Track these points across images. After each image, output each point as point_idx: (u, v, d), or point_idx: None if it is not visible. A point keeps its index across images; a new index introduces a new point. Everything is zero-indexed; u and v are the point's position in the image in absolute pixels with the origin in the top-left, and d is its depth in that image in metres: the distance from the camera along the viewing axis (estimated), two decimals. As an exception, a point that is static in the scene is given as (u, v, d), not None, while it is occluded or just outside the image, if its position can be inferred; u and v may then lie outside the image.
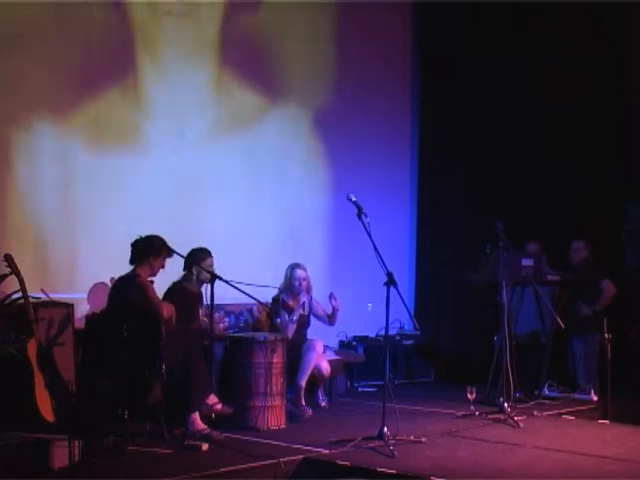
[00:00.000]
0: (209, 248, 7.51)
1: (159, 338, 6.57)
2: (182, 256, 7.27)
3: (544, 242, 9.13)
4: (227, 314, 8.26)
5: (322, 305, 8.26)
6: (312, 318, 8.24)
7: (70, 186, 7.98)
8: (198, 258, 7.36)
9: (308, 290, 8.16)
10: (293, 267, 8.16)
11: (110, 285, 7.14)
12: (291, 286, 8.10)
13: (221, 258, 7.61)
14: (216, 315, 7.47)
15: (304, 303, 8.08)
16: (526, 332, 9.02)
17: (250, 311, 8.37)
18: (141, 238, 6.94)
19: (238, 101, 9.12)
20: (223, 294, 7.57)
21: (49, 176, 7.87)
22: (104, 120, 8.15)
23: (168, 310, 6.74)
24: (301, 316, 8.10)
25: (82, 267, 7.99)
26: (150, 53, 8.52)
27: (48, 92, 7.85)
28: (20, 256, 6.70)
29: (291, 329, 7.94)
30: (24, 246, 7.56)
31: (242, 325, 8.36)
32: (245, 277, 7.43)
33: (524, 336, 8.95)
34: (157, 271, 6.93)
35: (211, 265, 7.33)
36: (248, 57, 9.18)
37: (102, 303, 7.10)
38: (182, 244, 7.31)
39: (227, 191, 9.02)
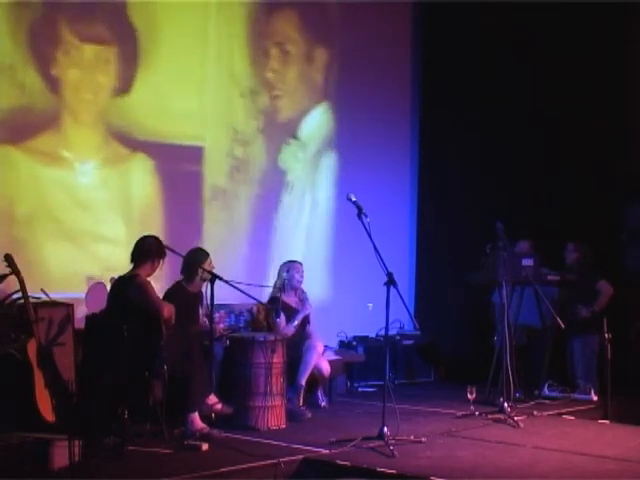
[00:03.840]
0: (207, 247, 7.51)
1: (159, 338, 6.56)
2: (180, 255, 7.27)
3: (536, 241, 9.11)
4: (227, 314, 8.25)
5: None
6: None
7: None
8: (199, 259, 7.36)
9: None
10: (293, 264, 8.14)
11: (109, 285, 7.14)
12: (291, 284, 8.06)
13: (221, 258, 7.61)
14: (216, 315, 7.47)
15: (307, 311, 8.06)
16: (526, 332, 9.04)
17: (250, 311, 8.37)
18: (142, 239, 6.95)
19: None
20: (224, 295, 7.57)
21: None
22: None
23: (168, 310, 6.74)
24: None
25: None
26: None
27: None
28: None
29: (290, 331, 7.91)
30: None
31: (242, 325, 8.36)
32: (245, 277, 7.44)
33: (524, 336, 8.97)
34: (155, 270, 6.94)
35: (210, 264, 7.33)
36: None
37: (100, 303, 7.10)
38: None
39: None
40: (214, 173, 8.79)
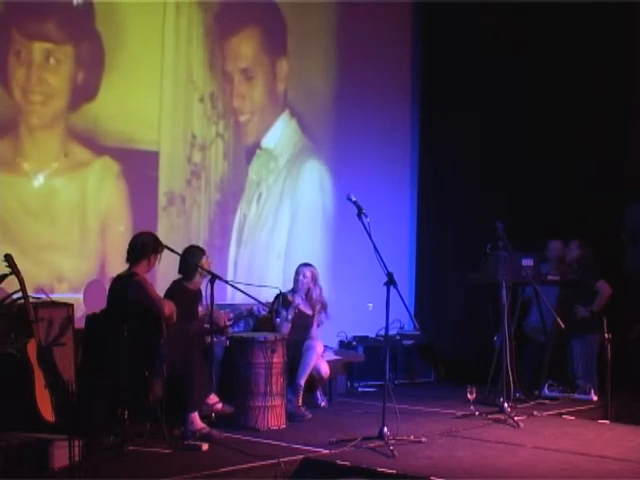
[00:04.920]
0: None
1: (159, 337, 6.56)
2: (177, 252, 7.25)
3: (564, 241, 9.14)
4: (227, 314, 8.25)
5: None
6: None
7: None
8: (196, 257, 7.36)
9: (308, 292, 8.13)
10: (299, 267, 8.12)
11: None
12: (294, 282, 8.05)
13: (220, 258, 7.61)
14: (220, 313, 7.48)
15: (299, 304, 8.03)
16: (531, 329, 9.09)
17: (250, 311, 8.36)
18: (136, 236, 6.94)
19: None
20: (223, 295, 7.57)
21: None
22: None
23: (169, 307, 6.71)
24: (303, 316, 8.05)
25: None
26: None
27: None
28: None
29: (286, 327, 7.88)
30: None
31: (245, 314, 8.35)
32: (244, 277, 7.41)
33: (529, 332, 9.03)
34: (153, 267, 6.94)
35: (206, 261, 7.34)
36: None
37: (98, 300, 7.10)
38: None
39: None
40: (171, 178, 8.62)
